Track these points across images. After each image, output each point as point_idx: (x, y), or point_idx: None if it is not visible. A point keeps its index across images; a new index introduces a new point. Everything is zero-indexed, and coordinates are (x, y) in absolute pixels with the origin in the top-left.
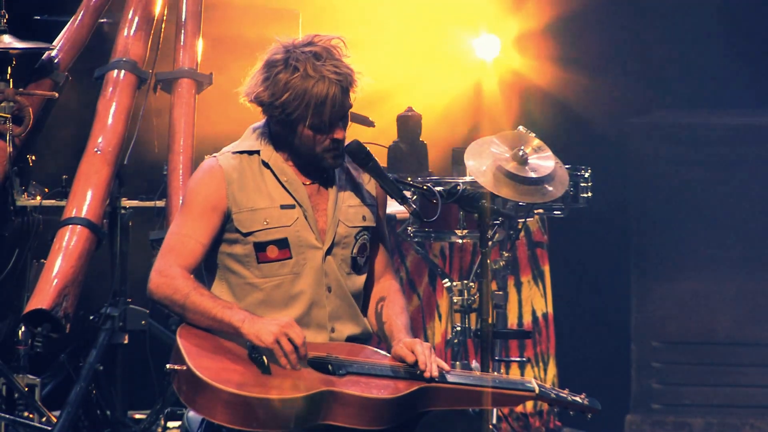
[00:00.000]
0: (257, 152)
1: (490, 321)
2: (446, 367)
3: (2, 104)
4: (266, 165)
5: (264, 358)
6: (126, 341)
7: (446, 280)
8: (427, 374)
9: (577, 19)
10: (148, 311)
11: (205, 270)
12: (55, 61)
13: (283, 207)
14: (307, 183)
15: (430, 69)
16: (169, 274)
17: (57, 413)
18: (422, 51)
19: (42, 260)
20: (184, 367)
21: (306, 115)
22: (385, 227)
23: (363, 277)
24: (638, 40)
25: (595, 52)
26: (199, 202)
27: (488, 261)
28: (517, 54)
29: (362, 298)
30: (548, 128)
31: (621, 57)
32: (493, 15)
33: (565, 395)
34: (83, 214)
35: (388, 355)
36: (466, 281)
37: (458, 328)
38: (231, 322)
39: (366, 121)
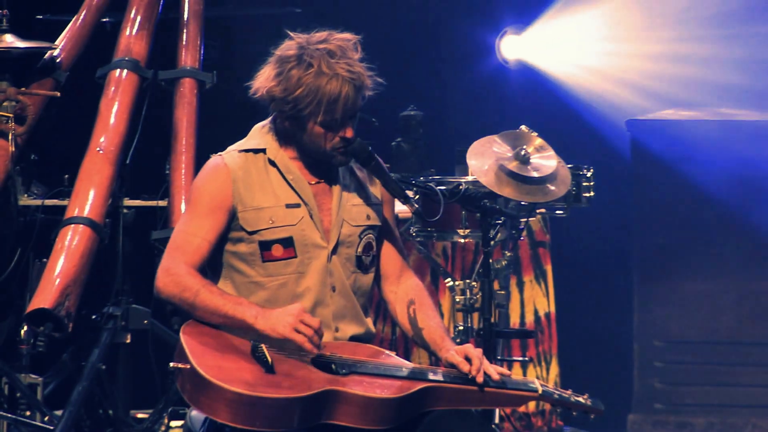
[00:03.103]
0: (263, 150)
1: (492, 320)
2: (505, 371)
3: (5, 104)
4: (272, 163)
5: (267, 356)
6: (128, 340)
7: (448, 279)
8: (479, 379)
9: (578, 18)
10: (150, 310)
11: (210, 269)
12: (57, 60)
13: (288, 206)
14: (313, 182)
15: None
16: (176, 272)
17: (59, 412)
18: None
19: (44, 259)
20: (188, 366)
21: (318, 111)
22: (395, 226)
23: (369, 276)
24: (639, 40)
25: (597, 51)
26: (205, 200)
27: (490, 260)
28: (520, 53)
29: (369, 297)
30: (550, 127)
31: (623, 56)
32: (492, 14)
33: (567, 396)
34: (85, 213)
35: (392, 354)
36: (468, 281)
37: (461, 328)
38: (244, 318)
39: (368, 120)
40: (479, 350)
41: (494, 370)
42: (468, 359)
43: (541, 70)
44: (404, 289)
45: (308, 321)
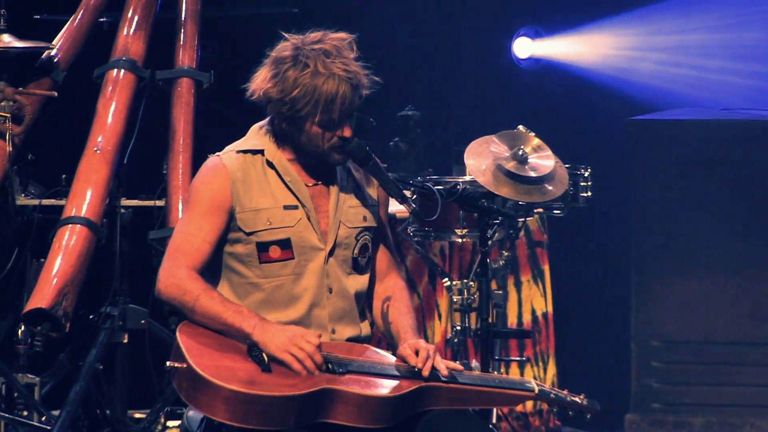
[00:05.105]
0: (261, 152)
1: (489, 320)
2: (458, 367)
3: (2, 103)
4: (270, 165)
5: (264, 355)
6: (125, 340)
7: (446, 279)
8: (425, 373)
9: (577, 18)
10: (147, 310)
11: (207, 269)
12: (55, 60)
13: (286, 207)
14: (310, 184)
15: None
16: (177, 274)
17: (57, 412)
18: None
19: (42, 259)
20: (185, 365)
21: (315, 111)
22: (388, 227)
23: (365, 277)
24: (638, 38)
25: (596, 51)
26: (204, 200)
27: (488, 260)
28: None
29: (365, 298)
30: (548, 127)
31: (622, 56)
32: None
33: (564, 395)
34: (83, 213)
35: (389, 354)
36: (465, 280)
37: (458, 328)
38: (242, 328)
39: (365, 121)
40: (431, 345)
41: (444, 366)
42: (417, 353)
43: (544, 68)
44: (384, 287)
45: (303, 346)
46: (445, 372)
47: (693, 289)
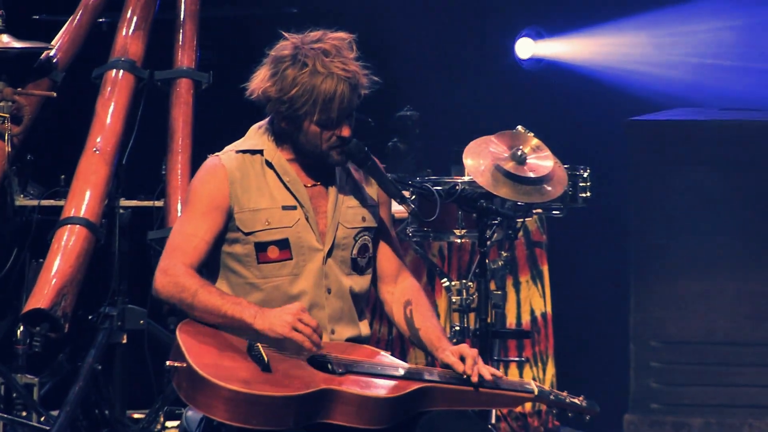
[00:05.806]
0: (260, 152)
1: (488, 321)
2: (498, 372)
3: (1, 104)
4: (269, 165)
5: (263, 355)
6: (124, 341)
7: (445, 279)
8: (474, 379)
9: (579, 19)
10: (146, 311)
11: (206, 269)
12: (54, 60)
13: (284, 208)
14: (309, 184)
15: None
16: (174, 272)
17: (55, 413)
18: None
19: (41, 260)
20: (184, 365)
21: (313, 111)
22: (392, 226)
23: (366, 278)
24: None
25: (597, 51)
26: (203, 200)
27: (487, 261)
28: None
29: (365, 299)
30: (548, 127)
31: (620, 55)
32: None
33: (563, 397)
34: (82, 213)
35: (388, 354)
36: (464, 281)
37: (457, 328)
38: (242, 318)
39: (364, 121)
40: (474, 350)
41: (488, 371)
42: (462, 359)
43: (546, 69)
44: (401, 289)
45: (306, 320)
46: (488, 377)
47: (693, 289)
